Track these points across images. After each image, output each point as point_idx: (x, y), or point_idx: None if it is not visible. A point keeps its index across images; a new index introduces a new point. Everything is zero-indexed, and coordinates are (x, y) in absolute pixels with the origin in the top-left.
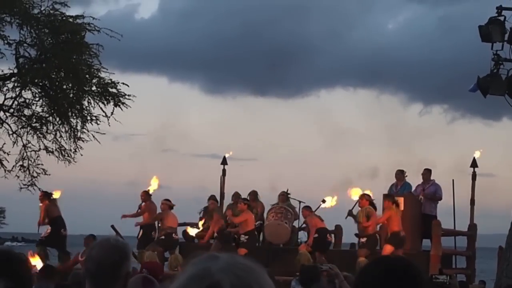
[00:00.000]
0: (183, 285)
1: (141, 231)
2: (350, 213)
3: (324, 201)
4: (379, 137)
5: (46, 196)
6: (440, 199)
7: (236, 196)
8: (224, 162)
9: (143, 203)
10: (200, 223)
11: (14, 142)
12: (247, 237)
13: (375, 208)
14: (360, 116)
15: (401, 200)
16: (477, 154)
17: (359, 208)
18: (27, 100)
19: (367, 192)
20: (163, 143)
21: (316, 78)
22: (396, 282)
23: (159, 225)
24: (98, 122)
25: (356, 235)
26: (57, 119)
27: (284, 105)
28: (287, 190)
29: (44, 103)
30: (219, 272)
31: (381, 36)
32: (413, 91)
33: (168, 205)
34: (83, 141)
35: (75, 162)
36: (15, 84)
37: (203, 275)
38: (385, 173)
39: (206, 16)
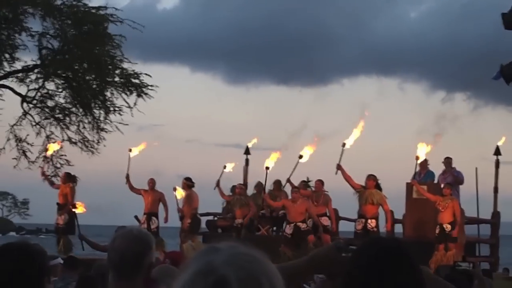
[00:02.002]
0: (188, 283)
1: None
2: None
3: (301, 157)
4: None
5: (70, 178)
6: (462, 182)
7: (259, 185)
8: (247, 152)
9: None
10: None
11: (38, 133)
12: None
13: (380, 189)
14: (385, 105)
15: (424, 188)
16: (501, 141)
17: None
18: (50, 92)
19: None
20: (187, 133)
21: (339, 67)
22: (390, 262)
23: (182, 207)
24: (121, 113)
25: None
26: (80, 110)
27: (307, 94)
28: (307, 178)
29: (67, 94)
30: (223, 266)
31: (404, 24)
32: (436, 79)
33: (189, 185)
34: (106, 132)
35: (99, 153)
36: (38, 76)
37: (206, 271)
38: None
39: (228, 5)
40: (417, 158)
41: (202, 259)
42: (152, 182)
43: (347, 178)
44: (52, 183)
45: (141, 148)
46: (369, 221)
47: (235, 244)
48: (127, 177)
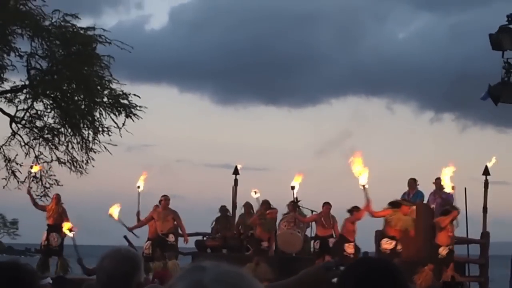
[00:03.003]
0: None
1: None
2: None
3: (293, 188)
4: (392, 145)
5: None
6: (452, 204)
7: (247, 206)
8: (235, 172)
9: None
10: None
11: (27, 154)
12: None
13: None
14: (373, 125)
15: (413, 208)
16: (491, 162)
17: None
18: (39, 112)
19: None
20: (176, 153)
21: (327, 87)
22: (378, 282)
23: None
24: (110, 133)
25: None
26: (69, 130)
27: (296, 114)
28: (297, 199)
29: (55, 115)
30: (212, 284)
31: (392, 45)
32: (424, 99)
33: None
34: (94, 152)
35: (87, 173)
36: (27, 96)
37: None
38: (398, 180)
39: (216, 27)
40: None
41: (189, 277)
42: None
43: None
44: (36, 204)
45: (143, 178)
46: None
47: (219, 263)
48: (138, 214)
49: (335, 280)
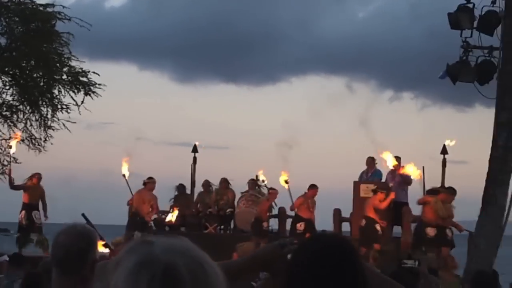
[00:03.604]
0: (132, 274)
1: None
2: None
3: (286, 182)
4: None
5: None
6: (410, 183)
7: (206, 184)
8: (194, 150)
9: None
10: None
11: None
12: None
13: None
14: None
15: (371, 187)
16: (449, 143)
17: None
18: None
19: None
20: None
21: (287, 65)
22: (332, 258)
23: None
24: (69, 111)
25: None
26: (28, 107)
27: (256, 92)
28: (257, 177)
29: (14, 92)
30: (166, 255)
31: (352, 24)
32: (384, 78)
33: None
34: (53, 129)
35: (46, 151)
36: None
37: (151, 260)
38: (357, 160)
39: (175, 3)
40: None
41: (139, 250)
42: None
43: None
44: (12, 184)
45: (126, 166)
46: None
47: (167, 237)
48: (129, 203)
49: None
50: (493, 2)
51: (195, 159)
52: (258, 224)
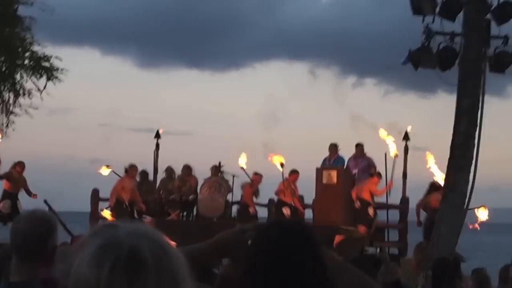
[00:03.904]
0: (96, 256)
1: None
2: None
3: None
4: (314, 110)
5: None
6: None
7: (169, 170)
8: (157, 136)
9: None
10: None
11: None
12: None
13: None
14: (295, 89)
15: (334, 174)
16: (408, 128)
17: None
18: None
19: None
20: (99, 117)
21: (250, 51)
22: (291, 244)
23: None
24: (31, 97)
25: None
26: None
27: (219, 78)
28: (220, 164)
29: None
30: (130, 238)
31: (316, 10)
32: (347, 64)
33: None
34: (15, 115)
35: (7, 136)
36: None
37: (115, 242)
38: (320, 147)
39: None
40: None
41: (103, 234)
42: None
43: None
44: None
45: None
46: None
47: (128, 222)
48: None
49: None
50: None
51: (157, 145)
52: (244, 210)
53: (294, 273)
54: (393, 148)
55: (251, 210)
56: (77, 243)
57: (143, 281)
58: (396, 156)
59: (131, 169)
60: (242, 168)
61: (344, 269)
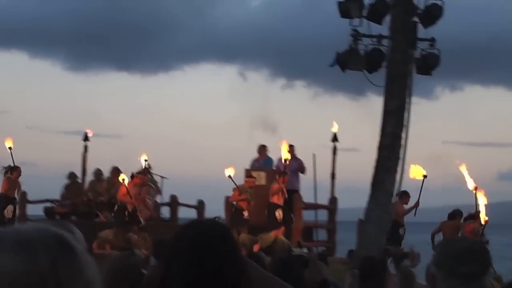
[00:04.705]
0: (26, 244)
1: None
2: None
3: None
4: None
5: None
6: (304, 170)
7: (98, 172)
8: (85, 138)
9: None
10: None
11: None
12: None
13: None
14: (225, 92)
15: (263, 175)
16: (334, 128)
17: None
18: None
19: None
20: (27, 120)
21: (180, 54)
22: (207, 245)
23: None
24: None
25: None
26: None
27: (149, 81)
28: (149, 165)
29: None
30: (55, 229)
31: (245, 12)
32: (277, 66)
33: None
34: None
35: None
36: None
37: (45, 231)
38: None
39: None
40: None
41: (17, 232)
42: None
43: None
44: None
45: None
46: None
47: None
48: None
49: None
50: None
51: (86, 147)
52: (238, 213)
53: (211, 273)
54: (471, 182)
55: (245, 213)
56: None
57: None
58: (475, 188)
59: (137, 176)
60: (229, 177)
61: (264, 276)
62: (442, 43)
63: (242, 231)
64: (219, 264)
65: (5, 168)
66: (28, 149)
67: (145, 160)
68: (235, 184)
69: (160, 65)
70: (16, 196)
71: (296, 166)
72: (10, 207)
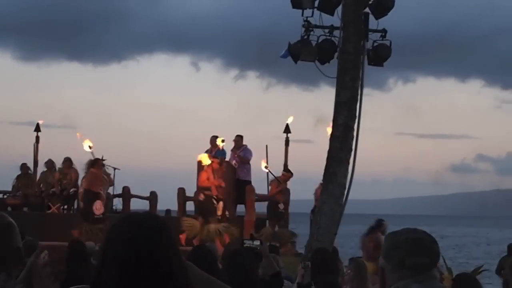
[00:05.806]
0: None
1: None
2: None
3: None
4: (197, 102)
5: None
6: (248, 161)
7: (49, 163)
8: (37, 129)
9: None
10: None
11: None
12: None
13: None
14: (181, 82)
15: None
16: (289, 120)
17: None
18: None
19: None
20: None
21: (133, 43)
22: (143, 236)
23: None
24: None
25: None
26: None
27: (101, 71)
28: (102, 157)
29: None
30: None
31: (199, 3)
32: (229, 57)
33: None
34: None
35: None
36: None
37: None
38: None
39: None
40: None
41: None
42: None
43: None
44: None
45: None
46: None
47: None
48: None
49: None
50: None
51: (37, 138)
52: (273, 206)
53: (146, 265)
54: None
55: (280, 206)
56: None
57: None
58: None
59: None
60: (266, 167)
61: (200, 279)
62: (395, 36)
63: (212, 221)
64: (154, 256)
65: None
66: None
67: (90, 147)
68: (274, 176)
69: (112, 55)
70: None
71: (243, 155)
72: None
